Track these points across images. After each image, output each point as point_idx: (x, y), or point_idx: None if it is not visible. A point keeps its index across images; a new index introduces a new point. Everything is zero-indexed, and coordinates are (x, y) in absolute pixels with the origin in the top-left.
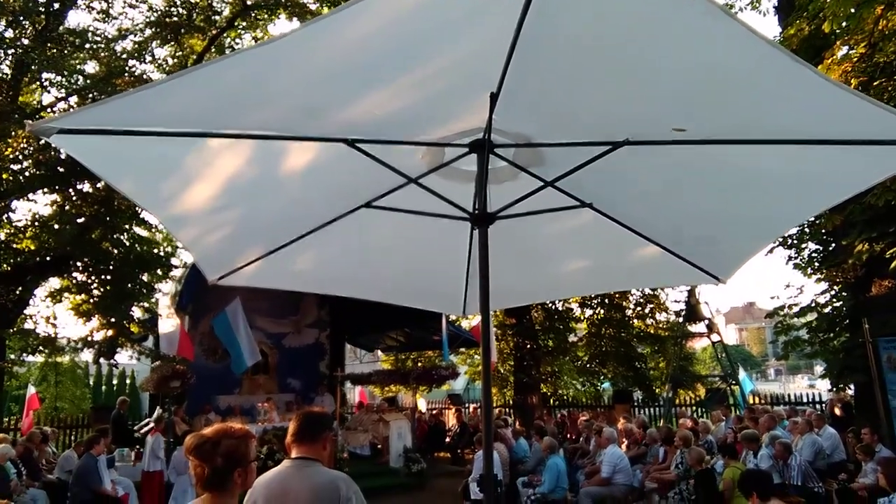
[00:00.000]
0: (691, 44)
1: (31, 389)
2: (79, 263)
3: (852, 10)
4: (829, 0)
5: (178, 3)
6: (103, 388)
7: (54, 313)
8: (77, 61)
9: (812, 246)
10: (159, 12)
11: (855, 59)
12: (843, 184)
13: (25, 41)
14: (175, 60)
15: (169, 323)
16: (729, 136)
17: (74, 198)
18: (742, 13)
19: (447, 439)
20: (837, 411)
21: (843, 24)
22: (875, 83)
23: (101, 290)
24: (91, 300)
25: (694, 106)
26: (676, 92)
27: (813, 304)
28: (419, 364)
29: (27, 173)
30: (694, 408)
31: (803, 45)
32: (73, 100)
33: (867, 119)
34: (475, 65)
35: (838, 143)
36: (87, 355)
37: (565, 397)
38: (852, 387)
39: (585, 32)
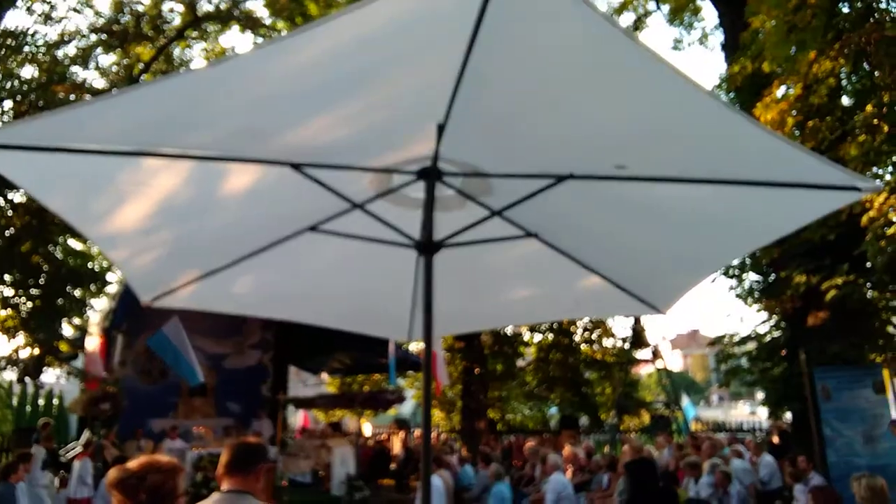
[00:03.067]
0: (633, 87)
1: None
2: (6, 277)
3: (790, 53)
4: (768, 41)
5: (126, 10)
6: (28, 408)
7: None
8: (13, 64)
9: (753, 276)
10: (106, 19)
11: (792, 99)
12: (776, 224)
13: None
14: (120, 69)
15: (94, 340)
16: (666, 174)
17: (4, 208)
18: (690, 48)
19: (392, 465)
20: (775, 439)
21: (782, 65)
22: (809, 123)
23: (30, 305)
24: (17, 316)
25: (635, 145)
26: (618, 131)
27: (753, 334)
28: (364, 387)
29: None
30: (638, 434)
31: (747, 83)
32: (8, 104)
33: (796, 163)
34: (423, 95)
35: (768, 185)
36: (10, 374)
37: (512, 423)
38: (790, 415)
39: (531, 70)
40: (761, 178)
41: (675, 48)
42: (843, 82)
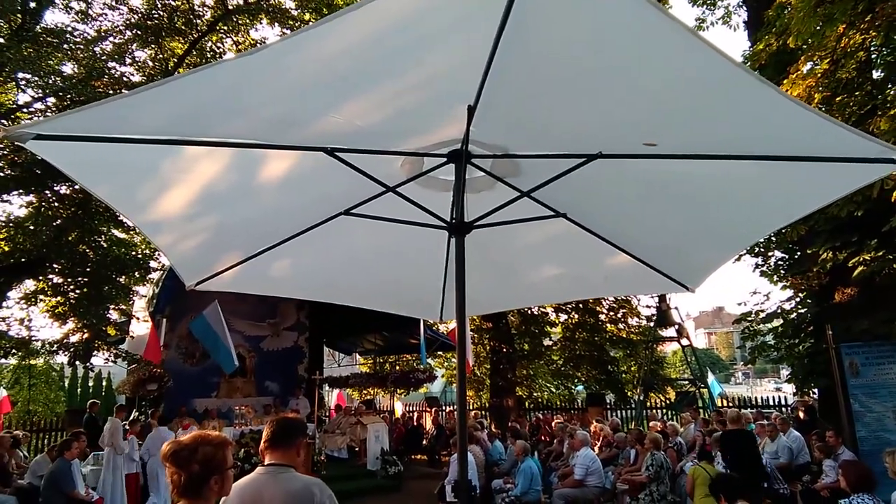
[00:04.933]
0: (662, 63)
1: (3, 392)
2: (55, 265)
3: (817, 28)
4: (794, 17)
5: (159, 5)
6: (79, 390)
7: (28, 315)
8: (54, 61)
9: (778, 254)
10: (140, 14)
11: (819, 75)
12: (807, 198)
13: (0, 39)
14: (156, 63)
15: (142, 326)
16: (696, 151)
17: (51, 199)
18: (713, 27)
19: (424, 442)
20: (802, 415)
21: (808, 40)
22: (837, 98)
23: (78, 292)
24: (67, 303)
25: (664, 122)
26: (647, 108)
27: (779, 311)
28: (397, 367)
29: (1, 174)
30: (664, 410)
31: (772, 60)
32: (51, 100)
33: (828, 137)
34: (453, 78)
35: (801, 160)
36: (62, 358)
37: (540, 400)
38: (816, 391)
39: (561, 49)
40: (794, 153)
41: (699, 28)
42: (874, 55)
